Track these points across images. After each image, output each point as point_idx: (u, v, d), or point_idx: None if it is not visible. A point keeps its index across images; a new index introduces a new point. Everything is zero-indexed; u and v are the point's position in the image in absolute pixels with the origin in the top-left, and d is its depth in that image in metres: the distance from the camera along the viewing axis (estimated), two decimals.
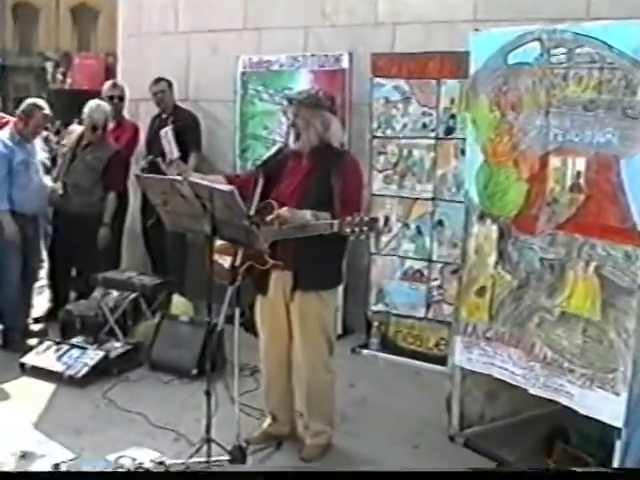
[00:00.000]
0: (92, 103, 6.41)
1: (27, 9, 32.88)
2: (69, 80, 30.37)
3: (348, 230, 3.77)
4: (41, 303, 6.72)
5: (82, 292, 6.37)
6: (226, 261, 4.07)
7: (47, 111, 5.85)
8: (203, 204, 3.72)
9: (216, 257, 4.05)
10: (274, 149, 4.10)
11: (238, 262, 3.95)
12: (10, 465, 4.09)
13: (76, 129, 6.53)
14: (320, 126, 4.09)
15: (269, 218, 3.87)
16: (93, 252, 6.32)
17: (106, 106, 6.47)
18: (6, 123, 6.53)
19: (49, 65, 31.85)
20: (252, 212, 3.90)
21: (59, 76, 31.35)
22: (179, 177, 3.81)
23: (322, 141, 4.10)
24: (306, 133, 4.08)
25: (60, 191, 6.15)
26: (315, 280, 4.09)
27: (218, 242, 4.09)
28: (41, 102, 5.96)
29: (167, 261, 6.90)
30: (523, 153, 4.01)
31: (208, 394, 3.95)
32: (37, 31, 33.43)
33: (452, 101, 5.61)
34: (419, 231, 5.88)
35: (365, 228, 3.78)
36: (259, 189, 3.99)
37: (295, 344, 4.25)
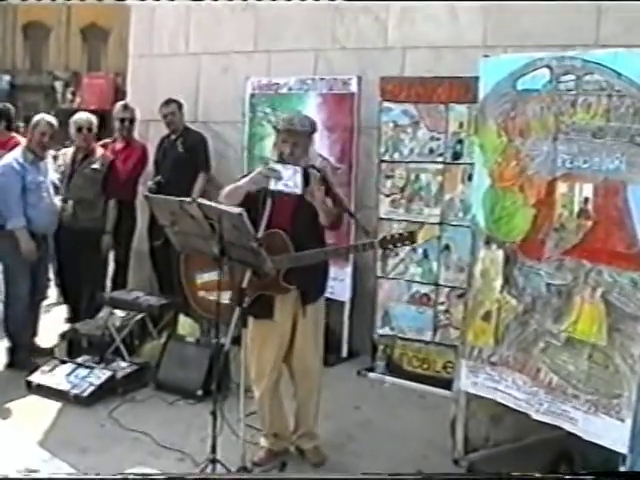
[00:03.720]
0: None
1: (37, 28, 33.08)
2: (78, 99, 30.61)
3: (390, 246, 4.04)
4: (49, 322, 6.73)
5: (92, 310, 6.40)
6: (214, 297, 4.09)
7: (51, 120, 5.91)
8: (212, 225, 3.75)
9: (202, 294, 4.13)
10: None
11: (246, 284, 3.96)
12: None
13: (68, 150, 6.60)
14: (308, 150, 4.28)
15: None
16: (100, 268, 6.37)
17: (86, 113, 6.71)
18: (16, 144, 6.60)
19: (58, 84, 32.08)
20: (262, 235, 3.93)
21: (69, 95, 31.58)
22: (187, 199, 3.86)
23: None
24: (303, 159, 4.19)
25: (70, 210, 6.18)
26: (318, 290, 4.37)
27: (203, 279, 4.20)
28: (45, 115, 6.05)
29: (174, 282, 6.91)
30: (530, 178, 4.02)
31: (214, 414, 3.96)
32: (47, 50, 33.62)
33: (460, 126, 5.64)
34: (426, 255, 5.89)
35: (407, 242, 4.06)
36: (268, 211, 4.01)
37: (303, 355, 4.36)
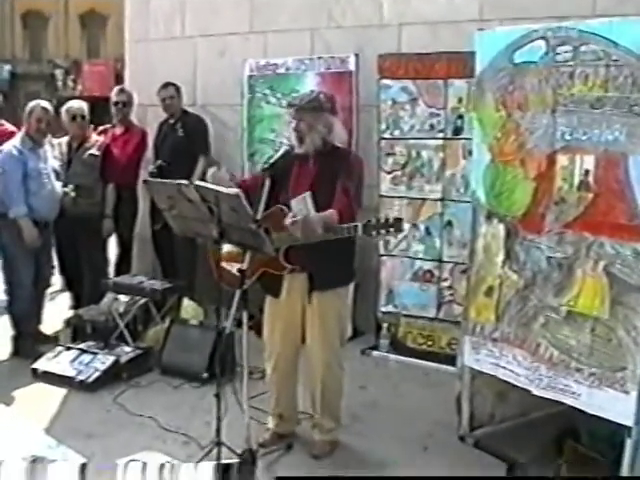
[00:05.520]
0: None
1: (36, 16, 32.97)
2: (79, 87, 30.56)
3: (373, 233, 3.83)
4: (54, 309, 6.74)
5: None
6: (234, 268, 4.09)
7: (46, 105, 5.89)
8: (210, 208, 3.72)
9: (224, 264, 4.07)
10: (280, 152, 4.08)
11: (246, 266, 3.94)
12: (21, 469, 4.10)
13: (62, 140, 6.58)
14: (323, 129, 4.13)
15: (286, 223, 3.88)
16: (101, 253, 6.47)
17: (78, 101, 6.69)
18: (7, 133, 6.59)
19: (59, 72, 32.02)
20: (260, 216, 3.89)
21: (70, 83, 31.54)
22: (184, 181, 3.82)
23: (326, 143, 4.15)
24: (310, 137, 4.12)
25: (72, 194, 6.17)
26: (331, 279, 4.18)
27: (226, 249, 4.11)
28: (40, 101, 6.03)
29: (177, 266, 6.91)
30: (530, 152, 3.99)
31: (218, 397, 3.94)
32: (46, 38, 33.52)
33: (460, 101, 5.61)
34: (428, 232, 5.88)
35: (391, 229, 3.86)
36: (266, 192, 3.99)
37: (310, 344, 4.30)
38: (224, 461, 3.91)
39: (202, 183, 3.85)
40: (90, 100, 7.83)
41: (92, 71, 30.65)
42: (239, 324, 4.31)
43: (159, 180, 4.43)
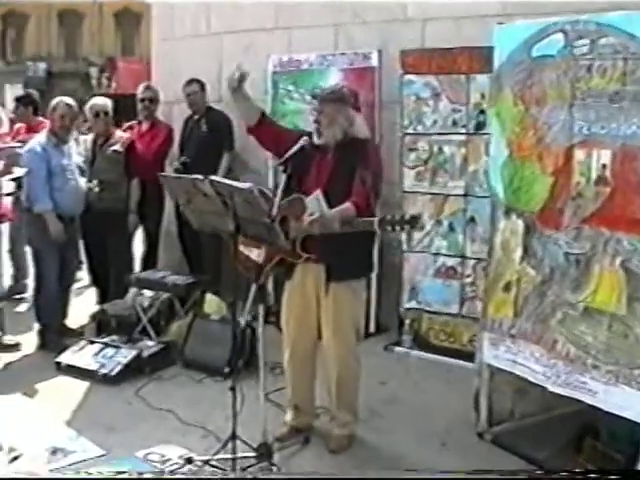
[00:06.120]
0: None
1: (71, 15, 33.36)
2: (114, 84, 30.82)
3: (389, 228, 3.82)
4: (81, 304, 6.84)
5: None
6: (252, 252, 4.10)
7: (70, 102, 5.96)
8: (224, 202, 3.74)
9: (242, 248, 4.08)
10: (297, 146, 4.08)
11: (262, 259, 3.96)
12: (42, 460, 4.17)
13: (87, 137, 6.67)
14: (344, 121, 4.14)
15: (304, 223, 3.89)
16: (127, 249, 6.58)
17: (102, 98, 6.79)
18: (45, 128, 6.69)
19: (93, 70, 32.35)
20: (277, 208, 3.88)
21: (104, 81, 31.84)
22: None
23: (346, 136, 4.15)
24: (330, 129, 4.13)
25: (96, 189, 6.22)
26: (347, 270, 4.17)
27: None
28: (64, 97, 6.10)
29: (203, 261, 6.94)
30: (548, 147, 3.96)
31: (233, 390, 3.96)
32: (81, 36, 33.89)
33: (482, 96, 5.56)
34: (451, 228, 5.84)
35: (406, 226, 3.83)
36: (282, 186, 3.99)
37: (326, 338, 4.30)
38: (240, 455, 3.96)
39: (216, 177, 3.87)
40: (124, 97, 7.90)
41: (126, 68, 30.83)
42: (256, 318, 4.32)
43: (175, 175, 4.47)
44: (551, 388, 3.96)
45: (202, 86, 6.88)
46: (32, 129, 7.07)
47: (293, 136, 4.24)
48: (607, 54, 3.62)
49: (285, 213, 3.97)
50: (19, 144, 5.94)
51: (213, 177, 3.81)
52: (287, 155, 4.00)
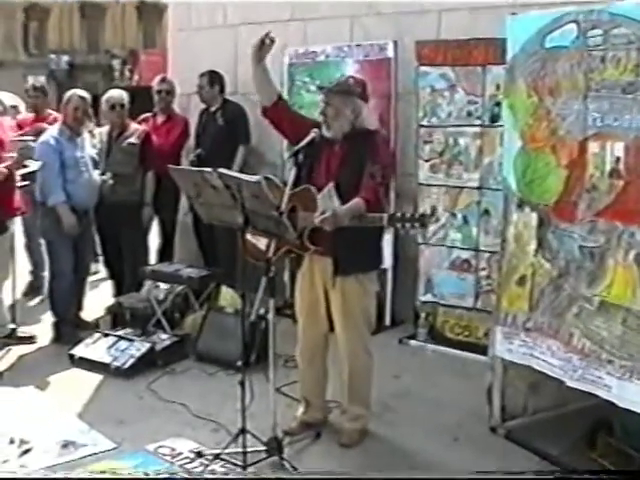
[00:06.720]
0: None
1: (94, 7, 33.48)
2: (136, 77, 30.89)
3: (398, 225, 3.79)
4: (97, 296, 6.86)
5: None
6: (260, 242, 4.09)
7: (83, 94, 5.98)
8: (233, 195, 3.72)
9: (249, 237, 4.07)
10: (306, 139, 4.04)
11: (270, 249, 3.94)
12: (53, 453, 4.18)
13: (102, 129, 6.66)
14: (351, 113, 4.11)
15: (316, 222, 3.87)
16: (142, 241, 6.60)
17: (118, 90, 6.79)
18: (54, 119, 6.70)
19: (116, 63, 32.44)
20: (286, 200, 3.85)
21: (127, 73, 31.93)
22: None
23: (354, 127, 4.12)
24: (337, 121, 4.11)
25: (110, 181, 6.21)
26: (354, 264, 4.13)
27: None
28: (77, 90, 6.13)
29: (218, 254, 6.94)
30: (561, 139, 3.90)
31: (242, 385, 3.95)
32: (104, 29, 34.03)
33: (498, 88, 5.48)
34: (466, 220, 5.79)
35: (416, 224, 3.80)
36: (291, 180, 3.95)
37: (337, 330, 4.29)
38: (249, 449, 3.94)
39: (225, 170, 3.84)
40: (146, 89, 7.88)
41: (148, 61, 30.80)
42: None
43: (184, 167, 4.45)
44: (569, 382, 3.89)
45: (212, 79, 6.85)
46: (39, 120, 7.04)
47: (308, 124, 4.23)
48: (620, 44, 3.55)
49: (294, 203, 3.95)
50: (32, 137, 5.93)
51: (221, 170, 3.79)
52: (297, 147, 3.98)
